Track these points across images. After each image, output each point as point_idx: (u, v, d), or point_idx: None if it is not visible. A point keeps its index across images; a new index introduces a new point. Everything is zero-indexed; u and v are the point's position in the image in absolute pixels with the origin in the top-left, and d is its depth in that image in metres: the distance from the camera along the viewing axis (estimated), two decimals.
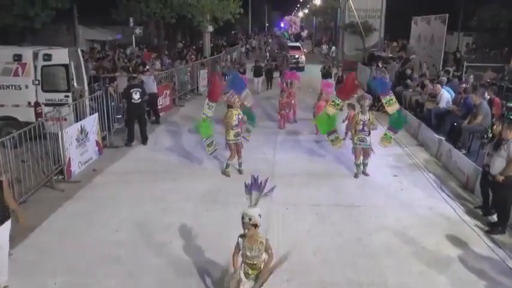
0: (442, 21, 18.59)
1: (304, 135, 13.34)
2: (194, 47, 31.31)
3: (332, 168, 10.36)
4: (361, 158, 9.70)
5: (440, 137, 11.11)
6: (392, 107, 10.14)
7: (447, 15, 18.20)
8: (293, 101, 14.71)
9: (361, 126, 9.47)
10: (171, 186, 9.23)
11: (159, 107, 15.81)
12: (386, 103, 10.16)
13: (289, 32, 51.53)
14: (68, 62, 11.61)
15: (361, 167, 9.80)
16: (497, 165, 7.18)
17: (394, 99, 10.24)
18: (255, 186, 4.81)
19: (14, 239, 6.92)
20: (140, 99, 12.16)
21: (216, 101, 10.19)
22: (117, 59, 20.87)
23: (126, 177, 9.78)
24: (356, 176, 9.73)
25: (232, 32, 54.33)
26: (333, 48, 34.27)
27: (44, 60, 11.66)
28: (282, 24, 53.28)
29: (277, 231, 7.29)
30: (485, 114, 10.56)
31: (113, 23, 25.94)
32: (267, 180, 4.83)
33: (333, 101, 10.37)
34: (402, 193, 8.92)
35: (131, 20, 21.46)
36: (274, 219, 7.71)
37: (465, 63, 17.54)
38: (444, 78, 13.73)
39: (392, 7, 29.50)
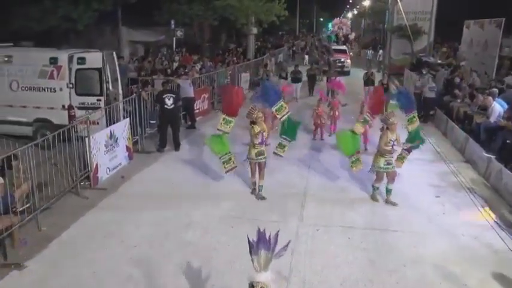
0: (498, 26, 17.38)
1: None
2: (239, 49, 31.03)
3: (369, 187, 9.43)
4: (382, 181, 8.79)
5: (490, 155, 10.21)
6: (414, 125, 9.32)
7: (503, 19, 16.99)
8: (336, 113, 13.50)
9: (390, 147, 8.46)
10: (199, 199, 8.83)
11: (196, 111, 15.55)
12: (408, 121, 9.34)
13: (340, 34, 50.37)
14: (101, 66, 11.48)
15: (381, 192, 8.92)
16: None
17: (417, 117, 9.45)
18: (263, 244, 3.63)
19: (32, 249, 6.83)
20: (173, 105, 11.89)
21: (234, 115, 9.19)
22: (157, 61, 20.81)
23: (152, 187, 9.48)
24: (374, 199, 8.81)
25: (280, 33, 53.85)
26: (381, 51, 33.12)
27: (78, 63, 11.59)
28: (331, 27, 52.31)
29: (304, 255, 6.76)
30: None
31: (156, 24, 26.01)
32: (277, 234, 3.65)
33: (364, 119, 9.49)
34: (444, 218, 8.14)
35: (172, 22, 21.40)
36: (302, 241, 7.20)
37: None
38: (496, 90, 12.71)
39: (443, 10, 28.12)
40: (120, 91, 12.48)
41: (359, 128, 9.31)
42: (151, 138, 12.52)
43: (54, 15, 18.61)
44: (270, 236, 3.62)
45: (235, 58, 24.08)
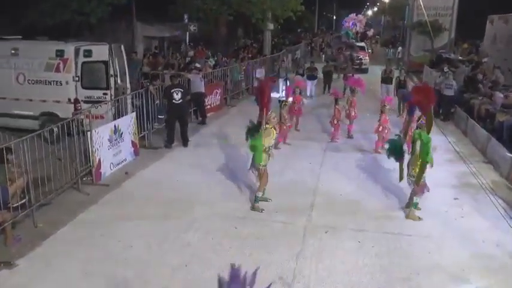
0: None
1: (358, 151, 11.52)
2: (255, 45, 30.57)
3: (385, 189, 8.92)
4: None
5: None
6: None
7: None
8: (353, 113, 12.60)
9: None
10: (203, 198, 8.43)
11: (208, 106, 15.18)
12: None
13: (353, 30, 49.44)
14: (107, 59, 11.18)
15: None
16: None
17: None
18: (234, 284, 2.46)
19: (25, 246, 6.53)
20: (181, 100, 11.52)
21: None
22: (170, 56, 20.52)
23: (156, 184, 9.09)
24: (409, 215, 7.70)
25: (298, 30, 53.26)
26: (400, 48, 32.37)
27: (85, 56, 11.35)
28: (347, 24, 51.38)
29: (310, 259, 6.32)
30: None
31: (171, 20, 25.72)
32: (255, 272, 2.51)
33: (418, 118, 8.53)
34: (463, 221, 7.57)
35: (185, 16, 21.05)
36: (309, 244, 6.76)
37: None
38: None
39: (464, 5, 27.26)
40: (128, 85, 12.18)
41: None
42: (160, 133, 12.16)
43: (67, 8, 18.38)
44: (245, 275, 2.48)
45: (250, 54, 23.65)
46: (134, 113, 11.00)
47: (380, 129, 11.09)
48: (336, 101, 12.45)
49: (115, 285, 5.70)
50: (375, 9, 71.68)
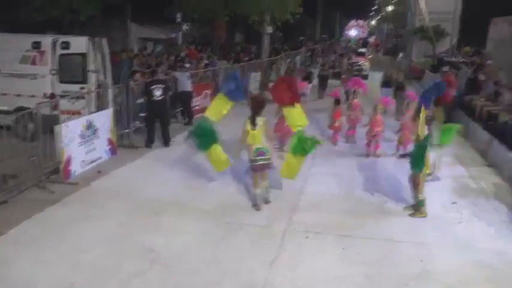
0: None
1: (351, 156, 10.61)
2: (253, 48, 29.93)
3: (376, 193, 8.14)
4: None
5: None
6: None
7: None
8: (356, 116, 11.58)
9: None
10: (177, 198, 7.72)
11: (197, 107, 14.49)
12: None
13: (357, 37, 48.86)
14: (85, 51, 10.55)
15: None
16: None
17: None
18: None
19: None
20: (162, 97, 10.82)
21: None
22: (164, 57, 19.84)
23: (129, 184, 8.39)
24: (415, 213, 7.15)
25: (300, 38, 52.88)
26: (401, 54, 31.77)
27: (62, 48, 10.74)
28: (348, 31, 50.89)
29: (285, 267, 5.57)
30: None
31: (167, 22, 25.20)
32: None
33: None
34: (461, 228, 6.79)
35: (178, 16, 20.46)
36: (287, 250, 6.02)
37: None
38: None
39: (467, 9, 26.67)
40: (110, 81, 11.55)
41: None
42: (142, 132, 11.46)
43: (56, 4, 17.81)
44: None
45: (247, 57, 22.97)
46: (112, 109, 10.32)
47: (371, 132, 10.36)
48: (336, 102, 11.66)
49: None
50: (378, 17, 71.34)
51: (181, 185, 8.40)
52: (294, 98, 8.07)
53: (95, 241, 6.13)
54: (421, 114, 7.04)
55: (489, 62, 16.91)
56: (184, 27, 20.90)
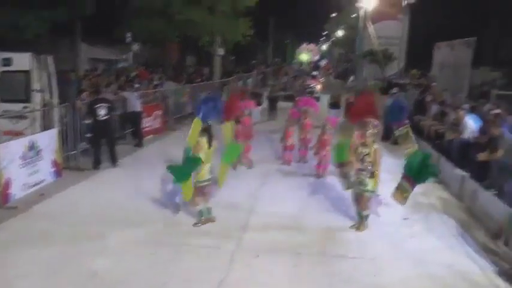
0: (469, 46, 16.76)
1: (304, 175, 10.39)
2: (205, 70, 29.86)
3: (327, 212, 8.05)
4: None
5: (463, 173, 9.09)
6: (408, 145, 7.24)
7: (475, 38, 16.38)
8: (308, 135, 11.36)
9: (360, 164, 7.03)
10: (123, 220, 7.33)
11: (147, 128, 14.18)
12: (399, 137, 7.46)
13: (305, 58, 49.75)
14: (29, 69, 10.09)
15: (358, 218, 7.33)
16: None
17: (411, 133, 7.31)
18: None
19: None
20: (107, 116, 10.48)
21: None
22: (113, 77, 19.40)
23: (72, 206, 7.94)
24: (358, 229, 7.16)
25: (252, 62, 53.43)
26: (351, 77, 32.57)
27: (4, 65, 10.21)
28: (302, 56, 51.89)
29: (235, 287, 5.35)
30: (508, 147, 8.63)
31: (119, 42, 24.80)
32: None
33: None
34: (412, 242, 6.82)
35: (128, 35, 20.15)
36: (236, 270, 5.80)
37: (494, 92, 15.50)
38: (468, 105, 11.76)
39: (413, 35, 27.80)
40: (56, 100, 11.09)
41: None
42: (90, 154, 10.98)
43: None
44: None
45: (199, 78, 22.85)
46: (57, 129, 9.87)
47: (320, 151, 10.30)
48: (289, 122, 11.60)
49: None
50: (329, 42, 73.13)
51: (129, 206, 8.00)
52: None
53: (33, 268, 5.71)
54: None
55: (434, 84, 17.52)
56: (135, 47, 20.55)
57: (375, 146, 7.01)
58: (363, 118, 7.30)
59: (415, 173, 6.95)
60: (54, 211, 7.74)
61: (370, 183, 6.97)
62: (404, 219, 7.77)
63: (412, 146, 7.19)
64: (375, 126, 7.05)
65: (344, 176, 7.63)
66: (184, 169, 6.74)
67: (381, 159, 7.02)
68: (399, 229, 7.32)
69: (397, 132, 7.48)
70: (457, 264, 6.10)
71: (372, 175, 6.95)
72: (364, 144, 6.98)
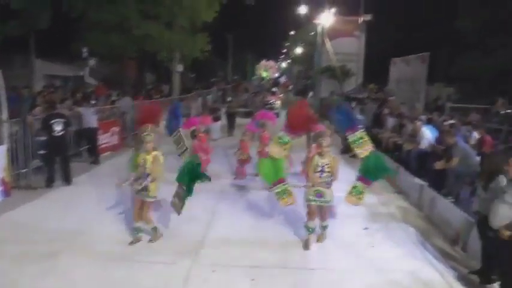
0: (423, 61, 17.25)
1: (261, 190, 9.81)
2: (165, 87, 29.58)
3: (286, 224, 7.87)
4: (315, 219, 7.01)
5: (422, 182, 9.19)
6: (363, 148, 7.09)
7: (428, 53, 16.91)
8: (265, 149, 10.72)
9: (318, 174, 6.81)
10: (74, 239, 6.96)
11: (104, 145, 13.78)
12: (354, 143, 7.12)
13: (263, 74, 50.14)
14: None
15: (320, 230, 7.12)
16: (501, 215, 5.20)
17: (366, 138, 7.16)
18: None
19: None
20: (63, 132, 10.10)
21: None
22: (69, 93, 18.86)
23: (21, 227, 7.47)
24: (306, 246, 6.84)
25: (212, 80, 53.56)
26: (311, 93, 32.96)
27: None
28: (262, 72, 52.33)
29: None
30: (463, 156, 8.89)
31: (76, 58, 24.24)
32: None
33: (279, 138, 7.48)
34: (374, 251, 6.77)
35: (84, 50, 19.67)
36: (192, 286, 5.57)
37: (448, 105, 16.00)
38: (424, 117, 12.02)
39: (370, 51, 28.47)
40: (6, 116, 10.58)
41: (275, 150, 7.40)
42: (42, 172, 10.48)
43: None
44: None
45: (158, 95, 22.57)
46: (5, 146, 9.40)
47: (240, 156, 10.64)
48: (245, 135, 11.46)
49: None
50: (289, 60, 74.07)
51: (81, 225, 7.61)
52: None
53: None
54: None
55: (392, 98, 17.89)
56: (91, 62, 20.04)
57: (332, 155, 6.91)
58: (301, 129, 7.43)
59: (371, 172, 7.01)
60: (0, 231, 7.28)
61: (328, 194, 6.81)
62: (365, 228, 7.74)
63: (369, 148, 7.07)
64: (329, 135, 6.93)
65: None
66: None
67: (338, 167, 6.89)
68: (360, 239, 7.26)
69: (350, 138, 7.16)
70: (418, 271, 6.09)
71: (330, 185, 6.82)
72: (321, 155, 6.79)
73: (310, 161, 7.02)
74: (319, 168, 6.74)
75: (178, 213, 6.96)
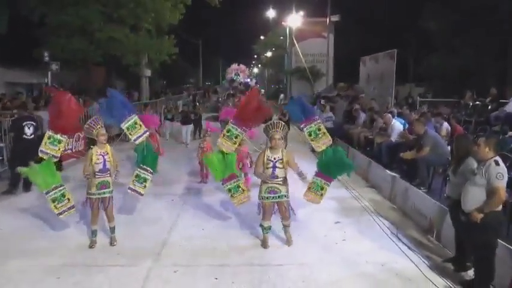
0: (391, 58, 17.25)
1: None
2: (135, 93, 28.99)
3: (251, 222, 7.35)
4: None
5: (394, 174, 9.00)
6: (320, 142, 6.76)
7: (395, 50, 16.93)
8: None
9: (270, 170, 6.25)
10: (27, 247, 6.44)
11: (68, 151, 13.19)
12: (310, 135, 6.76)
13: (235, 79, 50.01)
14: None
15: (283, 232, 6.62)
16: (472, 198, 4.98)
17: (324, 130, 6.82)
18: None
19: None
20: (33, 135, 9.61)
21: (65, 132, 6.94)
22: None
23: None
24: (264, 245, 6.40)
25: (184, 85, 53.13)
26: (281, 95, 32.86)
27: None
28: (229, 75, 52.05)
29: None
30: (433, 145, 8.79)
31: (39, 64, 23.41)
32: None
33: (228, 131, 7.05)
34: (345, 245, 6.48)
35: (46, 55, 18.92)
36: (151, 287, 5.15)
37: (418, 99, 16.03)
38: (395, 110, 11.91)
39: (339, 50, 28.54)
40: None
41: (225, 144, 6.97)
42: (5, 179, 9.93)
43: None
44: None
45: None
46: None
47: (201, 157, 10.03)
48: (204, 136, 10.98)
49: None
50: (260, 65, 74.11)
51: (35, 232, 7.09)
52: None
53: None
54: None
55: (362, 95, 17.87)
56: (54, 66, 19.29)
57: (285, 149, 6.47)
58: (252, 121, 7.04)
59: (331, 169, 6.69)
60: None
61: (283, 189, 6.32)
62: (336, 222, 7.46)
63: (327, 141, 6.76)
64: (283, 127, 6.45)
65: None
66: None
67: (293, 159, 6.40)
68: (330, 233, 6.97)
69: (306, 130, 6.80)
70: (391, 262, 5.83)
71: (285, 181, 6.34)
72: (273, 149, 6.29)
73: (260, 154, 6.45)
74: (271, 164, 6.22)
75: (141, 194, 7.10)
